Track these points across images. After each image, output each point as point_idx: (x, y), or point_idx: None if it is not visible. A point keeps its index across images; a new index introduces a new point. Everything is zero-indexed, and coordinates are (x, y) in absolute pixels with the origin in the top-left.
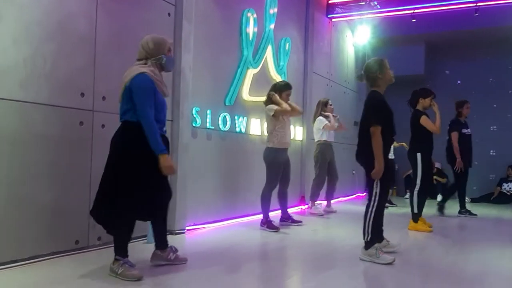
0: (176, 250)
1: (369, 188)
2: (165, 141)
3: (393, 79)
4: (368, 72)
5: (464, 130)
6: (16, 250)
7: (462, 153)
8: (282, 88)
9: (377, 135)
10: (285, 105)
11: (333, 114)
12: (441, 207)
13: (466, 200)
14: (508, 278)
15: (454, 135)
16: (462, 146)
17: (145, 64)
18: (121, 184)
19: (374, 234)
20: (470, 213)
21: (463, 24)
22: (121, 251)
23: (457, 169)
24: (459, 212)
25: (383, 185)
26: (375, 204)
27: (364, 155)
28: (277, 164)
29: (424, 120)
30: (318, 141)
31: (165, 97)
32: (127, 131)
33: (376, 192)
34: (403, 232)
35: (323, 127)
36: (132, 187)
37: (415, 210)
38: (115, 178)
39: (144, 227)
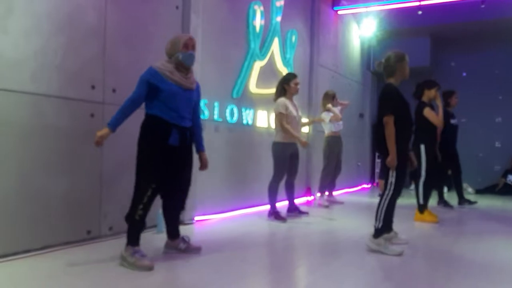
0: (187, 240)
1: (385, 177)
2: (185, 133)
3: (408, 76)
4: (388, 62)
5: (452, 121)
6: (29, 240)
7: (448, 144)
8: (289, 78)
9: (390, 125)
10: (288, 128)
11: (342, 102)
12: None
13: (470, 191)
14: None
15: None
16: (449, 136)
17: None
18: (137, 174)
19: (385, 222)
20: (470, 202)
21: (469, 16)
22: (133, 240)
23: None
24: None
25: (399, 175)
26: (390, 193)
27: (381, 146)
28: (283, 158)
29: (427, 112)
30: (326, 134)
31: (187, 89)
32: (143, 122)
33: (391, 182)
34: (410, 223)
35: (329, 120)
36: (141, 176)
37: (421, 201)
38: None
39: (153, 217)
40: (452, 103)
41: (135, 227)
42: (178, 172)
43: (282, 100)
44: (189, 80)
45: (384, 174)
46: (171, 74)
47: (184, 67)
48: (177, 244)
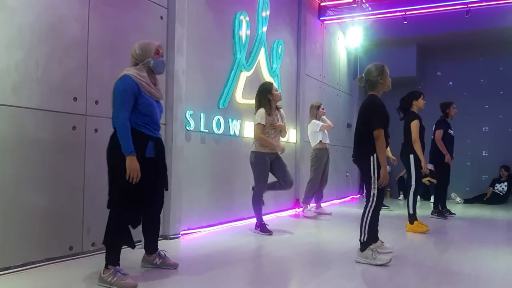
0: (163, 256)
1: (367, 189)
2: (159, 144)
3: (390, 87)
4: (369, 76)
5: (450, 131)
6: (9, 256)
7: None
8: (269, 88)
9: (381, 138)
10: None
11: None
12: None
13: (459, 201)
14: (503, 277)
15: (439, 133)
16: (447, 146)
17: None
18: (111, 191)
19: (370, 234)
20: (440, 214)
21: (454, 25)
22: (112, 260)
23: (445, 165)
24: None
25: (381, 187)
26: (373, 204)
27: (361, 157)
28: (263, 166)
29: (414, 125)
30: (314, 145)
31: (157, 100)
32: (114, 137)
33: (373, 194)
34: (399, 234)
35: (319, 129)
36: (119, 194)
37: (411, 211)
38: (109, 186)
39: (138, 231)
40: (451, 113)
41: (114, 246)
42: (156, 184)
43: (261, 110)
44: (159, 91)
45: (366, 186)
46: (147, 86)
47: (155, 74)
48: (153, 259)
